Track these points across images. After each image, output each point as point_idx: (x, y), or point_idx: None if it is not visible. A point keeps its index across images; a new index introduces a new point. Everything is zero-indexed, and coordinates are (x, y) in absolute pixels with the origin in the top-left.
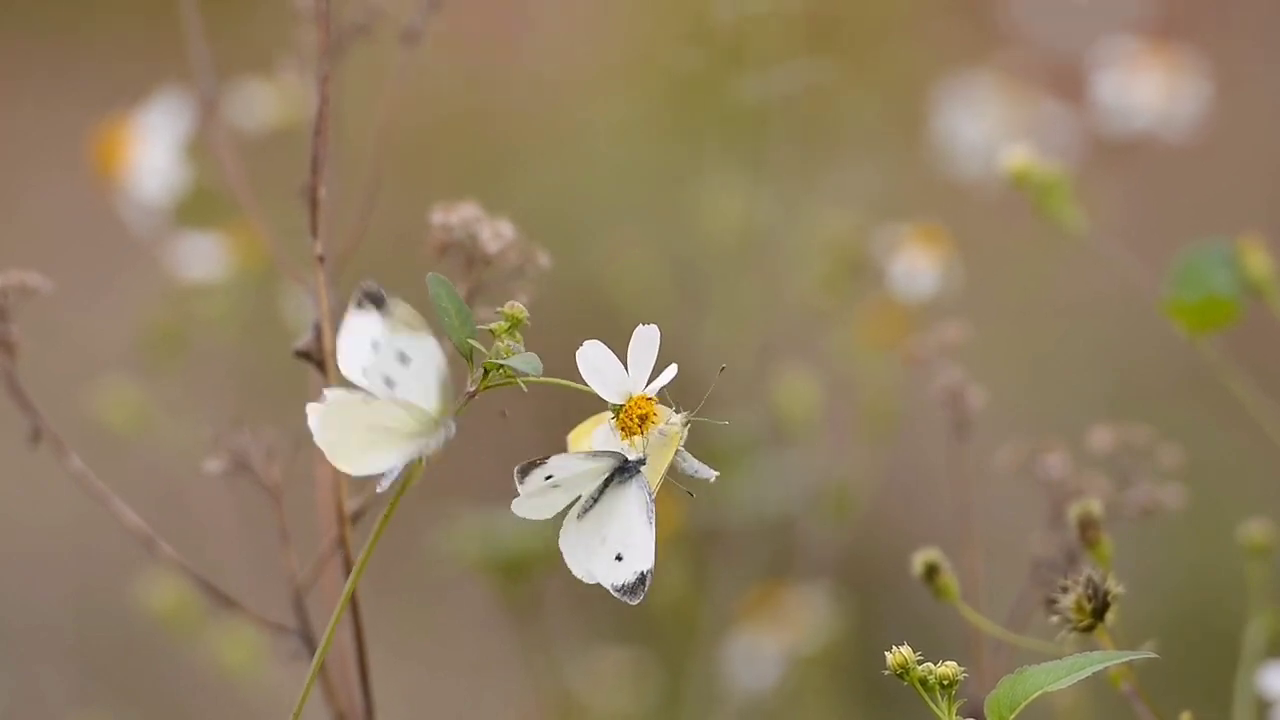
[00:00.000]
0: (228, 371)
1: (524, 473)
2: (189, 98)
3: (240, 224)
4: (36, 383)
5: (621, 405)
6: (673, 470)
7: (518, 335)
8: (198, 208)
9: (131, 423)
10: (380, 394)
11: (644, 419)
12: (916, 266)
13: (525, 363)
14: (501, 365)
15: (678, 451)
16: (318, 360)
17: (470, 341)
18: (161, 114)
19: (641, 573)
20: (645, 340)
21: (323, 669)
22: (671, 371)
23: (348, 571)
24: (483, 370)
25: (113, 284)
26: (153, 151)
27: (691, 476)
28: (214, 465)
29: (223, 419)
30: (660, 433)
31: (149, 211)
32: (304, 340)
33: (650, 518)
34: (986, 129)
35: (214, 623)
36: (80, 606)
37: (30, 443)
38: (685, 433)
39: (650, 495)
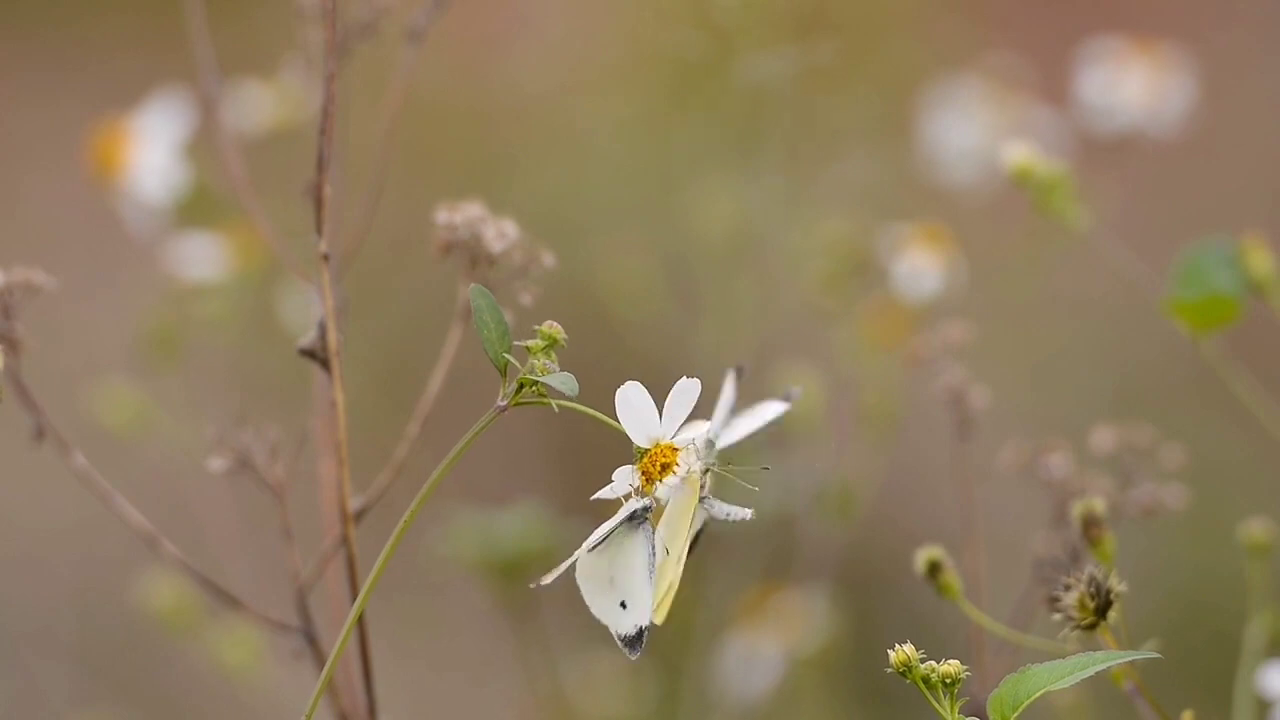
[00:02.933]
0: (229, 370)
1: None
2: (190, 96)
3: (241, 223)
4: (39, 381)
5: (646, 450)
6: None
7: (553, 354)
8: (198, 207)
9: (132, 422)
10: None
11: (665, 468)
12: (920, 266)
13: (562, 382)
14: (536, 382)
15: (704, 499)
16: (322, 359)
17: (506, 356)
18: (161, 112)
19: (640, 628)
20: (684, 392)
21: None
22: (704, 428)
23: (351, 570)
24: (516, 386)
25: (113, 283)
26: (152, 150)
27: (725, 520)
28: (217, 464)
29: (225, 418)
30: (682, 481)
31: (148, 211)
32: (308, 338)
33: (651, 571)
34: (974, 133)
35: (215, 622)
36: (81, 607)
37: (34, 441)
38: (708, 481)
39: (654, 549)
